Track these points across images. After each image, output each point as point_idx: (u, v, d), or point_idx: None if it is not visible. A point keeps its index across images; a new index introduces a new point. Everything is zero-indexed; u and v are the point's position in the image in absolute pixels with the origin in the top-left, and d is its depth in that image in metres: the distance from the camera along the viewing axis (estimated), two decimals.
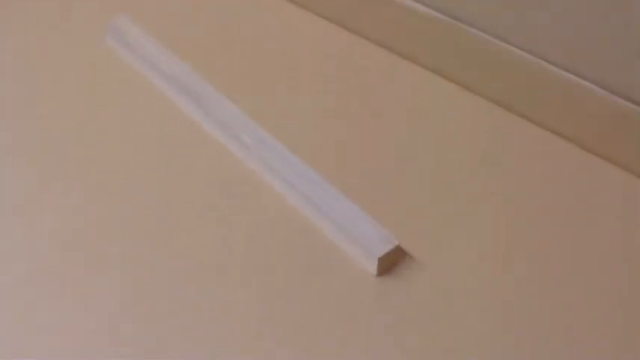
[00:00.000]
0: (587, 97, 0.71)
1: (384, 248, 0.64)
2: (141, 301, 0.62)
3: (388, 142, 0.76)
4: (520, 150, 0.75)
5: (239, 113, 0.76)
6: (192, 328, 0.60)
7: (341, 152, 0.75)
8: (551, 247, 0.67)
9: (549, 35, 0.71)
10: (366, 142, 0.76)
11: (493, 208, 0.70)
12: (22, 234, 0.67)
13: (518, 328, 0.61)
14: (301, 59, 0.85)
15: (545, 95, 0.75)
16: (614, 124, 0.71)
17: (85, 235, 0.67)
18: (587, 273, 0.65)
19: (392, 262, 0.65)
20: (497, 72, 0.77)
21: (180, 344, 0.60)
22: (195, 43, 0.86)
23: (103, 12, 0.90)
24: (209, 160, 0.74)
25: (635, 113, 0.69)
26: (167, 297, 0.63)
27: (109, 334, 0.61)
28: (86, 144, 0.75)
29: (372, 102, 0.80)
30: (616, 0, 0.66)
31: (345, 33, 0.87)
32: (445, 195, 0.71)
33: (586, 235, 0.68)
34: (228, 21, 0.90)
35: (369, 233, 0.65)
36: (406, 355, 0.59)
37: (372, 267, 0.64)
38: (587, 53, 0.70)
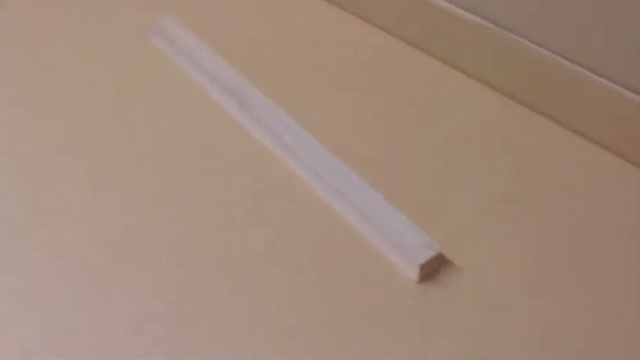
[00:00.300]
0: (620, 101, 0.71)
1: (426, 255, 0.64)
2: (182, 301, 0.63)
3: (431, 150, 0.75)
4: (560, 160, 0.75)
5: (282, 115, 0.76)
6: (229, 329, 0.61)
7: (384, 158, 0.75)
8: (592, 257, 0.66)
9: (584, 41, 0.71)
10: (409, 148, 0.76)
11: (533, 217, 0.69)
12: (67, 231, 0.68)
13: (555, 339, 0.61)
14: (346, 63, 0.85)
15: (589, 104, 0.74)
16: None
17: (125, 235, 0.68)
18: (626, 282, 0.64)
19: (433, 268, 0.65)
20: (540, 80, 0.77)
21: (216, 345, 0.60)
22: (235, 44, 0.86)
23: (144, 11, 0.90)
24: (251, 161, 0.74)
25: None
26: (209, 297, 0.63)
27: (145, 333, 0.61)
28: (132, 139, 0.76)
29: (415, 109, 0.80)
30: None
31: (391, 40, 0.87)
32: (487, 203, 0.71)
33: (624, 241, 0.67)
34: (267, 21, 0.90)
35: (412, 240, 0.65)
36: None
37: (414, 273, 0.64)
38: (621, 58, 0.69)
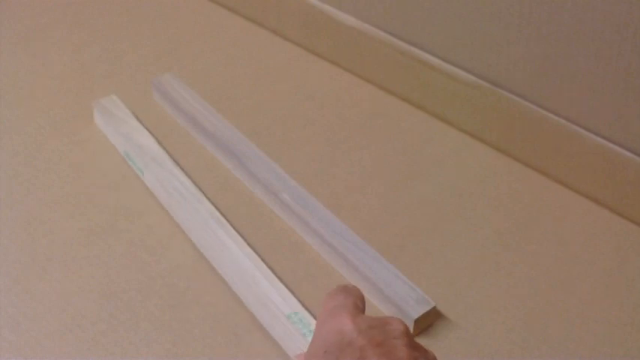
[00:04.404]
0: (625, 165, 0.72)
1: (421, 309, 0.65)
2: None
3: (424, 203, 0.77)
4: (555, 215, 0.76)
5: (279, 172, 0.77)
6: None
7: (378, 212, 0.76)
8: (588, 313, 0.67)
9: (588, 104, 0.72)
10: (402, 202, 0.77)
11: (529, 272, 0.70)
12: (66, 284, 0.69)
13: None
14: (341, 119, 0.87)
15: (583, 162, 0.75)
16: None
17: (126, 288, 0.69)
18: (625, 340, 0.65)
19: (428, 323, 0.65)
20: (535, 137, 0.78)
21: None
22: (234, 102, 0.88)
23: (147, 70, 0.92)
24: (249, 217, 0.75)
25: None
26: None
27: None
28: (136, 194, 0.77)
29: (409, 163, 0.81)
30: None
31: (384, 95, 0.89)
32: (481, 257, 0.72)
33: (623, 300, 0.68)
34: (266, 79, 0.92)
35: (406, 294, 0.66)
36: None
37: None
38: (626, 122, 0.71)
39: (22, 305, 0.67)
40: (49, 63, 0.93)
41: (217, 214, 0.73)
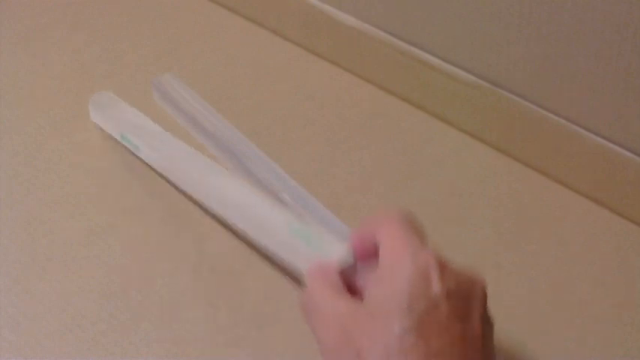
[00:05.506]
0: (625, 165, 0.72)
1: None
2: None
3: (424, 203, 0.77)
4: (555, 215, 0.76)
5: (279, 172, 0.77)
6: None
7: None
8: (588, 313, 0.67)
9: (588, 104, 0.72)
10: (402, 202, 0.77)
11: (529, 272, 0.70)
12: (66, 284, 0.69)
13: None
14: (341, 119, 0.87)
15: (583, 162, 0.75)
16: None
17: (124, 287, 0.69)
18: (625, 340, 0.65)
19: None
20: (535, 137, 0.78)
21: None
22: (234, 101, 0.88)
23: (147, 70, 0.92)
24: None
25: None
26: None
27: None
28: (133, 197, 0.77)
29: (409, 163, 0.81)
30: None
31: (384, 95, 0.89)
32: (481, 257, 0.71)
33: (623, 300, 0.68)
34: (266, 79, 0.92)
35: None
36: None
37: None
38: (626, 122, 0.71)
39: (22, 305, 0.67)
40: (49, 63, 0.93)
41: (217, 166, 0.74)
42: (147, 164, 0.78)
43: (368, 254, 0.50)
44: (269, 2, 0.96)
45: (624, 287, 0.69)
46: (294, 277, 0.65)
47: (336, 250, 0.54)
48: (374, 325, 0.43)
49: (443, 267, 0.44)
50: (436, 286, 0.42)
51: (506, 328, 0.65)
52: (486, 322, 0.44)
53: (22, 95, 0.89)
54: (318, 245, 0.58)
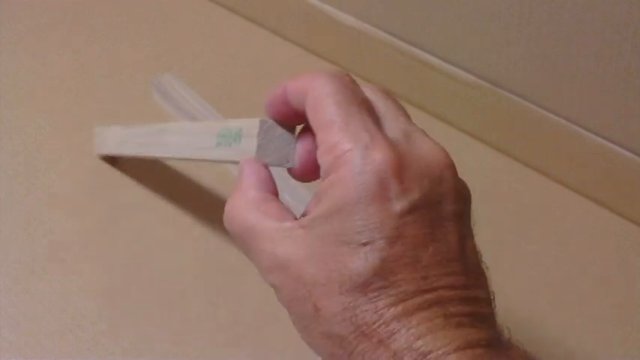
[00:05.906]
0: (625, 165, 0.72)
1: None
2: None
3: None
4: (555, 215, 0.76)
5: (279, 171, 0.77)
6: None
7: None
8: (588, 313, 0.67)
9: (588, 104, 0.72)
10: None
11: (529, 272, 0.70)
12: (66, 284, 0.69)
13: None
14: None
15: (583, 162, 0.75)
16: None
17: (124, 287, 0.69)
18: (625, 340, 0.65)
19: None
20: (535, 137, 0.78)
21: None
22: (234, 102, 0.88)
23: (147, 70, 0.93)
24: None
25: None
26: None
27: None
28: (134, 196, 0.77)
29: None
30: None
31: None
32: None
33: (623, 300, 0.68)
34: (266, 79, 0.92)
35: None
36: None
37: None
38: (626, 122, 0.71)
39: (22, 305, 0.67)
40: (49, 63, 0.93)
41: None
42: (147, 164, 0.78)
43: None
44: (269, 2, 0.96)
45: (624, 287, 0.69)
46: None
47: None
48: (327, 273, 0.34)
49: (400, 169, 0.34)
50: (396, 205, 0.33)
51: (505, 328, 0.65)
52: (460, 218, 0.34)
53: (22, 95, 0.89)
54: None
